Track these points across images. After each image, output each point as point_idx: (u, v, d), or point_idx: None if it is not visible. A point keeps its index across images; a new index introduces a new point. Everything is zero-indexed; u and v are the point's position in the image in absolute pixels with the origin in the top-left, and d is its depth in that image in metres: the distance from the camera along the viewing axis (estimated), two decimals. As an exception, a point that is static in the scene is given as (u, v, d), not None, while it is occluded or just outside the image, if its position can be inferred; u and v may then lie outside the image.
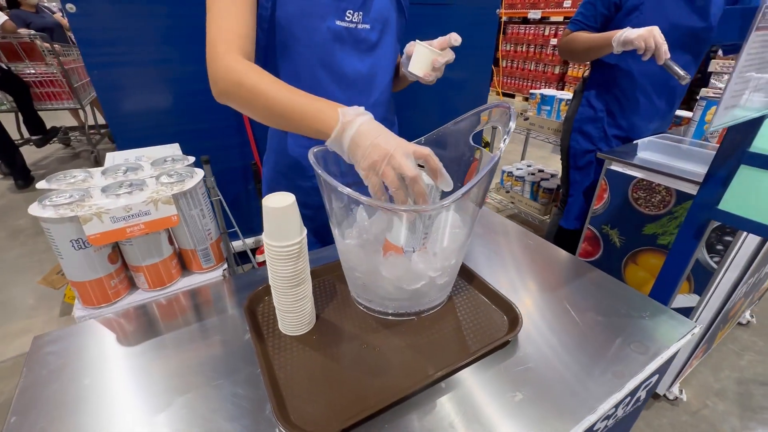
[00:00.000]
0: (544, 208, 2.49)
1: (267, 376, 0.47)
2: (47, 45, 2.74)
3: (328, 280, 0.68)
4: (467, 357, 0.51)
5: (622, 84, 1.29)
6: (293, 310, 0.54)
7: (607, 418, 0.52)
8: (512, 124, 0.48)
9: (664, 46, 1.04)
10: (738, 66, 0.50)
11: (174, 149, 1.06)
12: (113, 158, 0.98)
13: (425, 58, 0.72)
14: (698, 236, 0.80)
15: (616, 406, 0.51)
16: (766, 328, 1.72)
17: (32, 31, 2.79)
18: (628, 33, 1.09)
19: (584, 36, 1.24)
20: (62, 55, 2.87)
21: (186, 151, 1.01)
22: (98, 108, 3.77)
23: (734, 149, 0.71)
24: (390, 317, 0.59)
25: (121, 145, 1.63)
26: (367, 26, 0.73)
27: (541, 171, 2.60)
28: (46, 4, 3.65)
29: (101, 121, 3.87)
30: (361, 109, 0.55)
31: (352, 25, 0.72)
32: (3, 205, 2.76)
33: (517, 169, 2.69)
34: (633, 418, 0.66)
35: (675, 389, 1.35)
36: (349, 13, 0.70)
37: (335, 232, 0.58)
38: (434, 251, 0.55)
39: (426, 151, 0.50)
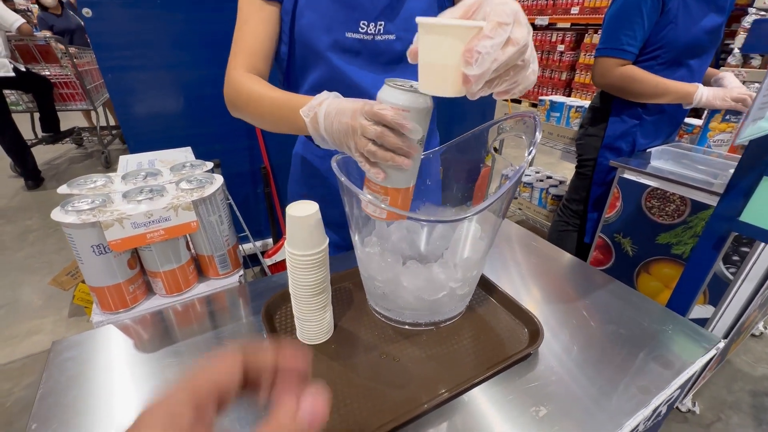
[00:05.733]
0: (552, 215, 2.47)
1: (288, 387, 0.47)
2: (62, 47, 2.78)
3: (344, 287, 0.68)
4: (488, 370, 0.51)
5: None
6: (313, 318, 0.53)
7: (631, 434, 0.51)
8: (538, 135, 0.48)
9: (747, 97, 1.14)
10: (767, 79, 0.49)
11: (186, 153, 1.06)
12: (126, 161, 0.98)
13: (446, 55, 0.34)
14: (718, 248, 0.79)
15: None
16: (779, 340, 1.70)
17: (48, 34, 2.83)
18: (708, 97, 1.17)
19: (655, 79, 1.19)
20: (77, 58, 2.91)
21: (197, 155, 1.02)
22: (110, 109, 3.82)
23: (757, 161, 0.70)
24: (408, 326, 0.59)
25: (133, 147, 1.64)
26: (391, 36, 0.66)
27: (549, 177, 2.59)
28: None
29: (112, 122, 3.91)
30: (332, 93, 0.52)
31: (368, 37, 0.65)
32: (14, 206, 2.79)
33: (526, 175, 2.68)
34: (653, 433, 0.65)
35: (688, 402, 1.33)
36: (363, 24, 0.64)
37: (355, 240, 0.58)
38: (455, 262, 0.55)
39: (374, 108, 0.43)
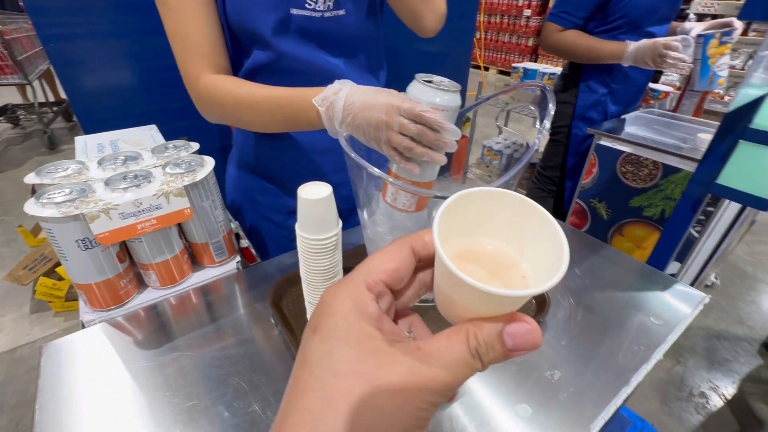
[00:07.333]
0: (524, 182, 2.54)
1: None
2: (-18, 12, 2.43)
3: (350, 267, 0.66)
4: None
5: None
6: (327, 303, 0.52)
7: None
8: (552, 107, 0.47)
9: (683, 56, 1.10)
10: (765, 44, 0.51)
11: (152, 132, 0.98)
12: (84, 143, 0.89)
13: None
14: (695, 209, 0.84)
15: (642, 377, 0.54)
16: (727, 289, 1.89)
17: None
18: (636, 58, 1.14)
19: (587, 43, 1.21)
20: (2, 24, 2.56)
21: (161, 133, 0.94)
22: (49, 83, 3.43)
23: (735, 126, 0.74)
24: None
25: (87, 128, 1.49)
26: (341, 12, 0.58)
27: (514, 143, 2.64)
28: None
29: (52, 97, 3.53)
30: (345, 81, 0.49)
31: (316, 14, 0.56)
32: (-53, 195, 2.50)
33: (496, 142, 2.72)
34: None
35: (653, 349, 1.46)
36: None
37: (363, 217, 0.56)
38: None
39: (416, 109, 0.43)
